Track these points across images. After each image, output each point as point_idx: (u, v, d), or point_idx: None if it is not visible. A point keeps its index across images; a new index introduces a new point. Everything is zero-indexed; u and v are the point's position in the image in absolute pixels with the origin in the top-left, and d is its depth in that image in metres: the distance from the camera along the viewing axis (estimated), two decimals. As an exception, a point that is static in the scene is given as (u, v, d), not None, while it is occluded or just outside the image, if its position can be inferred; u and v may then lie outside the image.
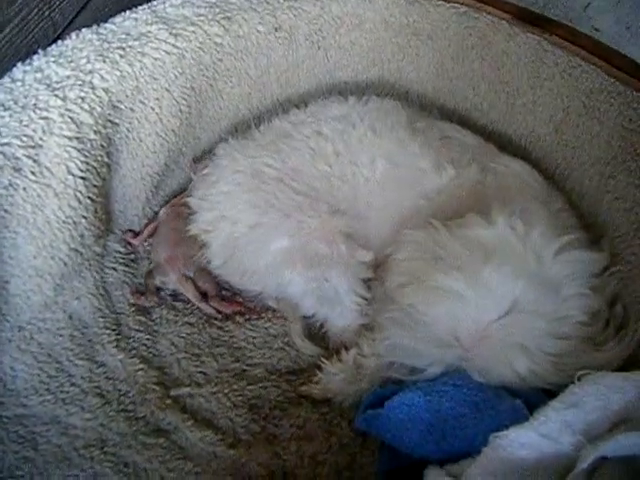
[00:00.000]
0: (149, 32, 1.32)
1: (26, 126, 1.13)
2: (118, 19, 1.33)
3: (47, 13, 1.45)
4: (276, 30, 1.45)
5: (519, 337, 1.00)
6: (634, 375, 0.87)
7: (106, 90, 1.24)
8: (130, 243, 1.41)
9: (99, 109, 1.22)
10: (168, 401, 1.16)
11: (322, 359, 1.21)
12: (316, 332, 1.30)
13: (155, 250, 1.39)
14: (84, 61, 1.23)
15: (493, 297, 1.02)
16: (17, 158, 1.11)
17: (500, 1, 1.46)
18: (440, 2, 1.46)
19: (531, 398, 0.97)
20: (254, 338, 1.29)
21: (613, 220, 1.21)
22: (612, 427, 0.83)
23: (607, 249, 1.16)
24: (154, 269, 1.36)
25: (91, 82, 1.22)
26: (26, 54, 1.25)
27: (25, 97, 1.16)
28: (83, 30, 1.29)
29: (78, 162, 1.19)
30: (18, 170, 1.11)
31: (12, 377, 1.16)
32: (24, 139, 1.13)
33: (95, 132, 1.22)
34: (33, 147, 1.13)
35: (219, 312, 1.33)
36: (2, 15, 1.30)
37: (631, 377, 0.87)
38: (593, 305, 1.06)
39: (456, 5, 1.45)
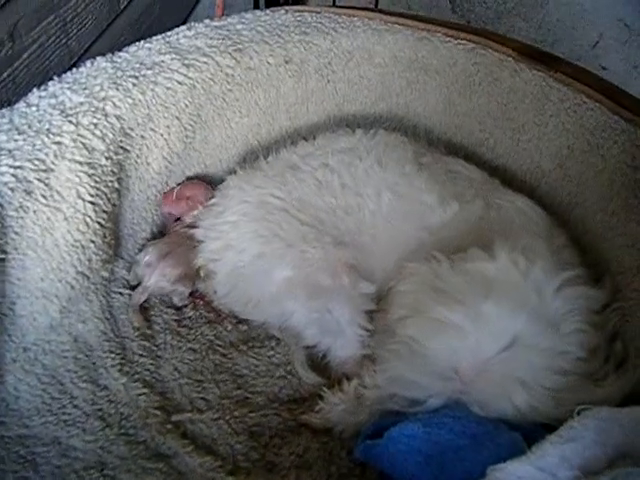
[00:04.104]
0: (162, 62, 1.35)
1: (39, 150, 1.16)
2: (132, 48, 1.36)
3: (64, 41, 1.49)
4: (286, 63, 1.48)
5: (518, 372, 1.01)
6: (633, 411, 0.87)
7: (118, 117, 1.27)
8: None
9: (111, 136, 1.25)
10: (169, 426, 1.16)
11: (324, 389, 1.21)
12: (318, 362, 1.29)
13: (151, 246, 1.40)
14: (98, 88, 1.26)
15: (493, 331, 1.02)
16: (29, 181, 1.13)
17: (507, 38, 1.49)
18: (449, 38, 1.49)
19: (530, 432, 0.97)
20: (257, 366, 1.29)
21: (615, 256, 1.22)
22: (610, 462, 0.83)
23: (609, 286, 1.17)
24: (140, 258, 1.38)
25: (104, 109, 1.25)
26: (42, 80, 1.28)
27: (39, 122, 1.19)
28: (98, 58, 1.32)
29: (88, 187, 1.21)
30: (29, 193, 1.13)
31: (15, 397, 1.16)
32: (36, 163, 1.15)
33: (106, 158, 1.24)
34: (45, 171, 1.15)
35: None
36: (20, 42, 1.34)
37: (630, 413, 0.87)
38: (593, 341, 1.06)
39: (464, 42, 1.47)
